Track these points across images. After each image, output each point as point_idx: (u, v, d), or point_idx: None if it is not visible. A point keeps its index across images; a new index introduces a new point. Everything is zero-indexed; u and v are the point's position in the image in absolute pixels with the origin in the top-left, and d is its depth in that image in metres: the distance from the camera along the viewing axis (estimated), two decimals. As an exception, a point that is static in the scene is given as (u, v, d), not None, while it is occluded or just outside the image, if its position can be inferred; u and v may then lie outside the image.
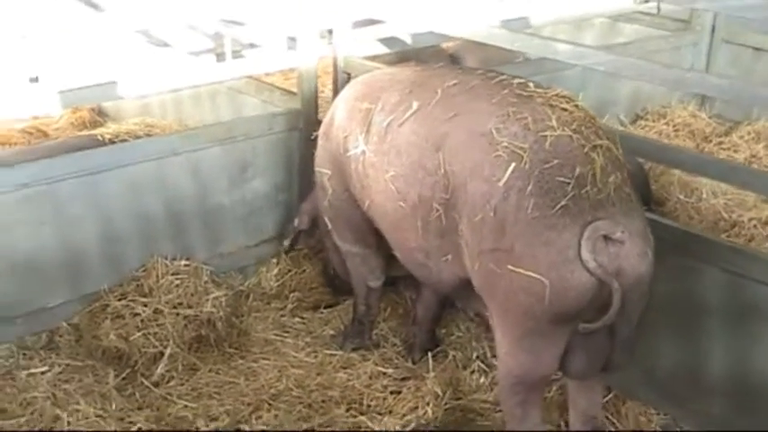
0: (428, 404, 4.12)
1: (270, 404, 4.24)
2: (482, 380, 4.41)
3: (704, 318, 3.87)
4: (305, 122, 5.09)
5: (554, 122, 3.28)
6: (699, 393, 3.97)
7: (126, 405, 4.15)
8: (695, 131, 6.43)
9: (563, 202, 3.14)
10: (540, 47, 4.30)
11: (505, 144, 3.26)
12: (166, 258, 4.74)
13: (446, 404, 4.18)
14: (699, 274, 3.83)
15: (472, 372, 4.44)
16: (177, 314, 4.54)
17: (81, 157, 4.51)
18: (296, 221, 4.86)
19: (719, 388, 3.90)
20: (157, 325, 4.48)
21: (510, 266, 3.21)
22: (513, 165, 3.22)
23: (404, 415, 4.08)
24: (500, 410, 4.22)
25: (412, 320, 4.67)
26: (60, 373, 4.28)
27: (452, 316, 4.77)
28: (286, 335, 4.79)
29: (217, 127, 4.98)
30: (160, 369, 4.39)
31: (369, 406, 4.21)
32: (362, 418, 4.06)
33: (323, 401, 4.25)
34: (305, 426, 4.04)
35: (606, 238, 3.12)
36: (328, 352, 4.63)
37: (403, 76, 3.96)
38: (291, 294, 5.08)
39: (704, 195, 5.48)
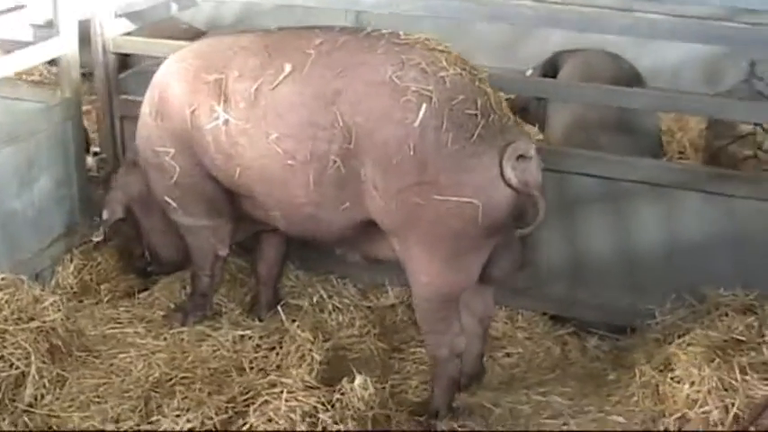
0: (311, 351, 4.36)
1: (156, 392, 4.22)
2: (340, 318, 4.76)
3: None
4: (76, 111, 4.94)
5: (444, 63, 3.69)
6: (539, 282, 4.69)
7: (19, 433, 3.93)
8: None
9: (477, 132, 3.59)
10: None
11: (414, 88, 3.61)
12: (-28, 276, 4.42)
13: (325, 346, 4.46)
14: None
15: (329, 313, 4.77)
16: (23, 329, 4.28)
17: None
18: (105, 213, 4.71)
19: (556, 273, 4.65)
20: (10, 345, 4.20)
21: (437, 196, 3.60)
22: (425, 106, 3.59)
23: (301, 365, 4.28)
24: (363, 342, 4.67)
25: (255, 281, 4.85)
26: None
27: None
28: (120, 326, 4.71)
29: (3, 127, 4.66)
30: (30, 390, 4.14)
31: (258, 366, 4.36)
32: (273, 376, 4.19)
33: (211, 375, 4.32)
34: (224, 398, 4.11)
35: (519, 156, 3.63)
36: (173, 331, 4.65)
37: (247, 43, 4.09)
38: (100, 287, 4.97)
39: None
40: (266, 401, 3.97)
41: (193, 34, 6.46)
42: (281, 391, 3.98)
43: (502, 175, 3.60)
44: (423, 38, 3.86)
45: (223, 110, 4.01)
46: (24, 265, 4.72)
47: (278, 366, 4.34)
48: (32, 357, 4.18)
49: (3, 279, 4.46)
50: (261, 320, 4.74)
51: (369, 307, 4.85)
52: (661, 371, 4.07)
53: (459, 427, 4.06)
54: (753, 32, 4.98)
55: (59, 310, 4.46)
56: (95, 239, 4.84)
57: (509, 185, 3.61)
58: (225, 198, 4.34)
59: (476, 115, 3.62)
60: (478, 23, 6.75)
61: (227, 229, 4.51)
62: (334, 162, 3.79)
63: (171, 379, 4.29)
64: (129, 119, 5.02)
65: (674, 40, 5.47)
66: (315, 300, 4.89)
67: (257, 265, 4.79)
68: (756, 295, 4.28)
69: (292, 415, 3.90)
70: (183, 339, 4.60)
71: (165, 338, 4.61)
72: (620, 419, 4.06)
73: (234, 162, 4.08)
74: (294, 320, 4.57)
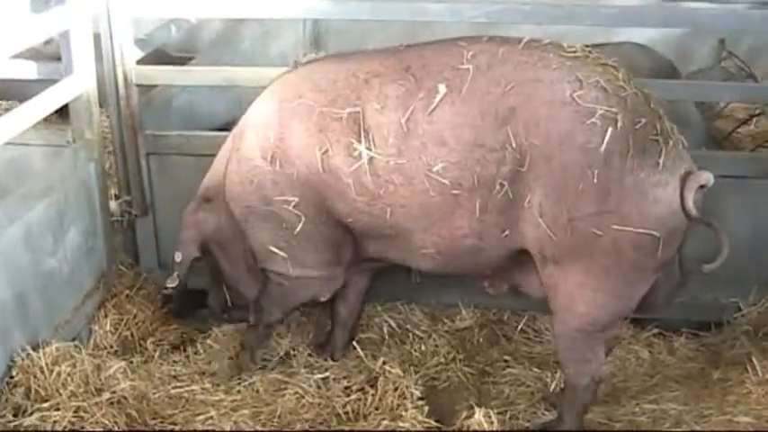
0: (407, 387, 4.05)
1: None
2: (423, 347, 4.46)
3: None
4: (99, 152, 4.47)
5: (621, 82, 3.42)
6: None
7: None
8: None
9: (661, 160, 3.35)
10: (409, 11, 4.28)
11: (600, 111, 3.33)
12: (25, 350, 3.93)
13: (417, 380, 4.17)
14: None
15: (411, 344, 4.48)
16: (97, 404, 3.83)
17: None
18: (178, 255, 4.19)
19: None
20: (90, 424, 3.74)
21: (616, 226, 3.37)
22: (611, 129, 3.32)
23: (405, 405, 3.96)
24: (450, 369, 4.40)
25: (332, 322, 4.49)
26: None
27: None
28: (184, 384, 4.23)
29: (39, 180, 4.15)
30: (121, 470, 3.70)
31: (355, 411, 4.04)
32: (387, 421, 3.89)
33: (311, 427, 3.97)
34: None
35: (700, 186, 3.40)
36: (245, 383, 4.23)
37: (378, 68, 3.69)
38: (145, 342, 4.51)
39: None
40: (398, 449, 3.68)
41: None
42: (407, 436, 3.69)
43: (682, 205, 3.39)
44: (587, 50, 3.58)
45: (366, 147, 3.62)
46: (63, 328, 4.24)
47: (376, 408, 4.02)
48: (117, 434, 3.75)
49: (57, 350, 3.99)
50: (335, 360, 4.39)
51: (447, 332, 4.58)
52: (780, 365, 4.01)
53: (589, 449, 3.90)
54: (719, 11, 4.98)
55: (128, 377, 4.03)
56: (170, 286, 4.25)
57: (688, 216, 3.40)
58: (350, 244, 3.96)
59: (657, 141, 3.38)
60: (437, 24, 6.58)
61: (342, 276, 4.11)
62: (501, 186, 3.48)
63: (270, 436, 3.92)
64: (155, 156, 4.58)
65: (642, 26, 5.38)
66: (385, 330, 4.59)
67: (337, 306, 4.40)
68: None
69: (429, 460, 3.62)
70: (258, 391, 4.20)
71: (239, 392, 4.19)
72: (749, 419, 3.95)
73: (383, 202, 3.67)
74: (374, 356, 4.29)
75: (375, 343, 4.53)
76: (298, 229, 3.84)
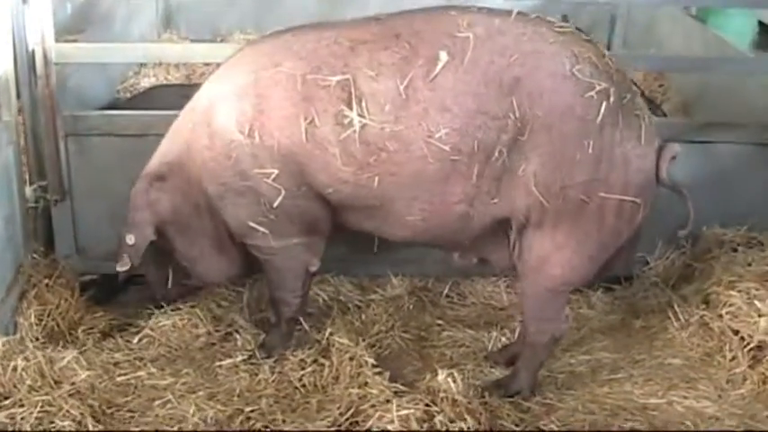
0: (361, 356, 4.06)
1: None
2: (363, 317, 4.53)
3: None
4: (16, 135, 4.22)
5: (607, 59, 3.59)
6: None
7: None
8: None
9: (642, 133, 3.59)
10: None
11: (597, 85, 3.48)
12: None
13: (366, 348, 4.21)
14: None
15: (351, 314, 4.54)
16: (62, 396, 3.67)
17: None
18: (131, 238, 3.96)
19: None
20: (63, 416, 3.58)
21: (603, 194, 3.58)
22: (605, 103, 3.49)
23: (360, 372, 4.00)
24: (390, 337, 4.48)
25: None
26: None
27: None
28: (129, 370, 4.08)
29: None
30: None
31: (314, 383, 4.04)
32: (355, 389, 3.89)
33: (277, 402, 3.93)
34: (326, 422, 3.78)
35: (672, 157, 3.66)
36: (192, 368, 4.16)
37: (364, 35, 3.64)
38: (76, 332, 4.32)
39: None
40: (380, 416, 3.70)
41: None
42: (387, 401, 3.74)
43: (657, 175, 3.64)
44: (568, 26, 3.69)
45: (356, 114, 3.56)
46: (-3, 323, 3.99)
47: (335, 378, 4.05)
48: (89, 425, 3.60)
49: (4, 345, 3.78)
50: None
51: (381, 300, 4.65)
52: (704, 309, 4.36)
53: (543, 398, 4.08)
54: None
55: (83, 367, 3.87)
56: (120, 269, 4.02)
57: (663, 185, 3.66)
58: (327, 215, 3.92)
59: (639, 116, 3.60)
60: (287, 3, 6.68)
61: (322, 242, 4.08)
62: (500, 154, 3.56)
63: (233, 415, 3.85)
64: (73, 137, 4.38)
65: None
66: (321, 303, 4.61)
67: None
68: (746, 229, 4.71)
69: (412, 423, 3.69)
70: (208, 371, 4.14)
71: (188, 374, 4.10)
72: (679, 360, 4.28)
73: (372, 171, 3.63)
74: (318, 329, 4.31)
75: (314, 316, 4.53)
76: (276, 203, 3.78)
